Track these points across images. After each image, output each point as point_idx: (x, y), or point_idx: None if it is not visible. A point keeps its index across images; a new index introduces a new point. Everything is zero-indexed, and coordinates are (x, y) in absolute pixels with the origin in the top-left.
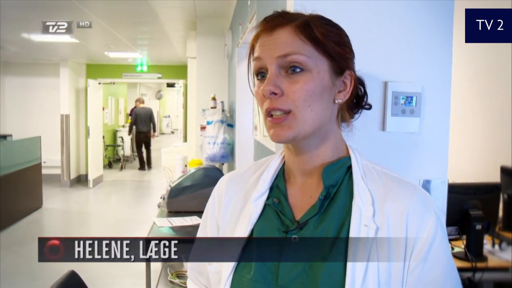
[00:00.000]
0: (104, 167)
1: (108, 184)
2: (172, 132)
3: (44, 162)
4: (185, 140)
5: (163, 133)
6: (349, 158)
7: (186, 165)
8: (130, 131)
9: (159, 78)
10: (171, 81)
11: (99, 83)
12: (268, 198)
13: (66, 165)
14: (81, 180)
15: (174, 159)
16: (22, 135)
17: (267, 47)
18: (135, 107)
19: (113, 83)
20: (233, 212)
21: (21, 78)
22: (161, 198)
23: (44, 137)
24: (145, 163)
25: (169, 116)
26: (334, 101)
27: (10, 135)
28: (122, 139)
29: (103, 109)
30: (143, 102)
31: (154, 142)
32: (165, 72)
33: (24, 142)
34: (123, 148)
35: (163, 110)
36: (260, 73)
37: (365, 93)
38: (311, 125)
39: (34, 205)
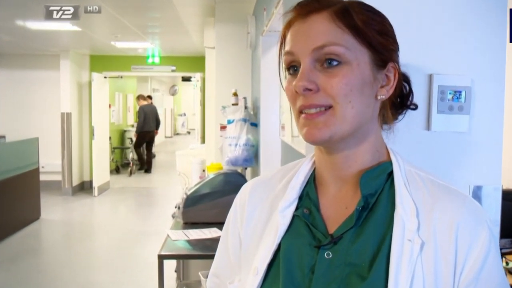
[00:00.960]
0: (111, 172)
1: (115, 191)
2: (188, 133)
3: (43, 167)
4: (203, 141)
5: (177, 134)
6: (390, 163)
7: (204, 170)
8: (137, 131)
9: (173, 71)
10: (186, 74)
11: (105, 77)
12: (297, 208)
13: (68, 170)
14: (84, 188)
15: (190, 163)
16: (17, 137)
17: (300, 36)
18: (149, 103)
19: (121, 77)
20: (257, 224)
21: (15, 71)
22: (175, 207)
23: (42, 139)
24: (151, 164)
25: (184, 115)
26: (376, 97)
27: (3, 137)
28: (131, 140)
29: (110, 106)
30: (145, 99)
31: (168, 144)
32: (180, 64)
33: (19, 145)
34: (132, 151)
35: (178, 107)
36: (292, 67)
37: (411, 91)
38: (350, 123)
39: (31, 216)
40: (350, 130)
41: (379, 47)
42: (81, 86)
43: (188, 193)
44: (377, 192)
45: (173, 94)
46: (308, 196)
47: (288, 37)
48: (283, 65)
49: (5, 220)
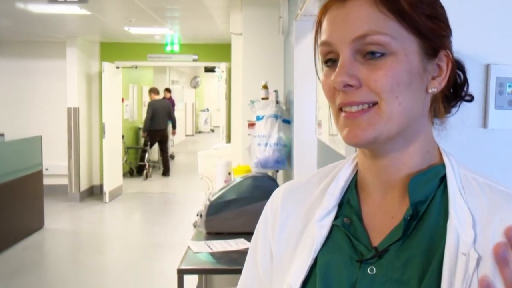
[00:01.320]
0: (124, 175)
1: (129, 197)
2: (212, 131)
3: (46, 169)
4: (228, 140)
5: (199, 132)
6: (442, 165)
7: (229, 173)
8: (145, 129)
9: (194, 60)
10: (210, 64)
11: (117, 67)
12: (336, 217)
13: (75, 173)
14: (94, 193)
15: (214, 165)
16: (17, 135)
17: (337, 24)
18: (162, 98)
19: (135, 67)
20: (291, 235)
21: (16, 61)
22: (197, 215)
23: (45, 137)
24: (167, 166)
25: (207, 110)
26: (426, 90)
27: (2, 135)
28: (147, 139)
29: (123, 100)
30: (158, 93)
31: (188, 143)
32: (203, 53)
33: (20, 144)
34: (148, 151)
35: (200, 102)
36: (330, 60)
37: (466, 80)
38: (397, 122)
39: (33, 225)
40: (398, 130)
41: (429, 34)
42: (90, 77)
43: (212, 199)
44: (427, 199)
45: (194, 87)
46: (349, 204)
47: (324, 24)
48: (319, 56)
49: (3, 230)
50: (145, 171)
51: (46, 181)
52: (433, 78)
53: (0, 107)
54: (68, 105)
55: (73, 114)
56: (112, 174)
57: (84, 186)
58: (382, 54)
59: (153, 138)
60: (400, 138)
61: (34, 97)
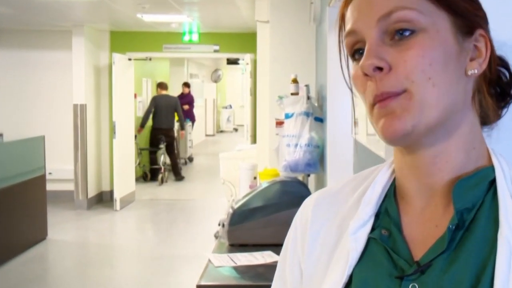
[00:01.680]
0: (137, 180)
1: (142, 204)
2: (235, 130)
3: (50, 173)
4: (254, 141)
5: (221, 131)
6: (491, 168)
7: (255, 178)
8: (142, 124)
9: (215, 51)
10: (233, 55)
11: (129, 59)
12: (373, 229)
13: (82, 177)
14: (103, 200)
15: (237, 168)
16: (18, 135)
17: (362, 10)
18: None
19: (150, 59)
20: (323, 249)
21: (16, 52)
22: (219, 224)
23: (49, 137)
24: (177, 170)
25: (230, 107)
26: (466, 73)
27: (1, 135)
28: (163, 139)
29: (135, 96)
30: (166, 88)
31: (208, 144)
32: (225, 43)
33: (21, 145)
34: (164, 153)
35: (222, 97)
36: (357, 51)
37: None
38: (436, 107)
39: (35, 236)
40: (437, 116)
41: (461, 10)
42: (99, 70)
43: (235, 206)
44: (475, 206)
45: (215, 81)
46: (387, 213)
47: (348, 14)
48: (346, 52)
49: (2, 241)
50: (160, 175)
51: (49, 187)
52: (472, 60)
53: None
54: (74, 102)
55: (79, 112)
56: (124, 179)
57: (92, 192)
58: (412, 32)
59: (155, 137)
60: (440, 130)
61: (36, 92)
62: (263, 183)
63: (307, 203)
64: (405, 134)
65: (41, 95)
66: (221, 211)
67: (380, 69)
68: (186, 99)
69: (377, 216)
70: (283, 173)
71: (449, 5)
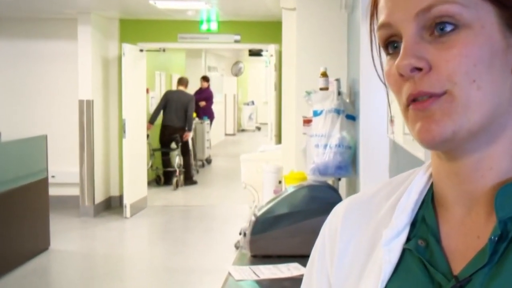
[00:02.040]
0: (149, 184)
1: (154, 211)
2: (258, 129)
3: (53, 176)
4: (279, 141)
5: (242, 130)
6: None
7: (280, 182)
8: (151, 121)
9: (236, 41)
10: (255, 46)
11: (141, 50)
12: (408, 239)
13: (88, 181)
14: (112, 206)
15: (260, 171)
16: (17, 134)
17: (397, 0)
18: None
19: (163, 51)
20: (354, 262)
21: (16, 42)
22: (240, 234)
23: (52, 137)
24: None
25: (252, 103)
26: None
27: None
28: (179, 140)
29: (148, 91)
30: (185, 85)
31: (228, 144)
32: (247, 33)
33: (20, 145)
34: (179, 155)
35: (244, 93)
36: (391, 44)
37: None
38: (480, 111)
39: (37, 245)
40: (481, 121)
41: (509, 2)
42: (107, 62)
43: (258, 214)
44: None
45: (236, 75)
46: (424, 222)
47: (381, 3)
48: (378, 43)
49: (1, 251)
50: (175, 179)
51: (52, 191)
52: None
53: None
54: (80, 97)
55: (86, 108)
56: (134, 183)
57: (99, 197)
58: (454, 28)
59: (163, 135)
60: (483, 134)
61: (38, 86)
62: (288, 188)
63: (337, 210)
64: (444, 140)
65: (43, 90)
66: (243, 218)
67: (419, 69)
68: (204, 94)
69: (413, 224)
70: (311, 176)
71: None
